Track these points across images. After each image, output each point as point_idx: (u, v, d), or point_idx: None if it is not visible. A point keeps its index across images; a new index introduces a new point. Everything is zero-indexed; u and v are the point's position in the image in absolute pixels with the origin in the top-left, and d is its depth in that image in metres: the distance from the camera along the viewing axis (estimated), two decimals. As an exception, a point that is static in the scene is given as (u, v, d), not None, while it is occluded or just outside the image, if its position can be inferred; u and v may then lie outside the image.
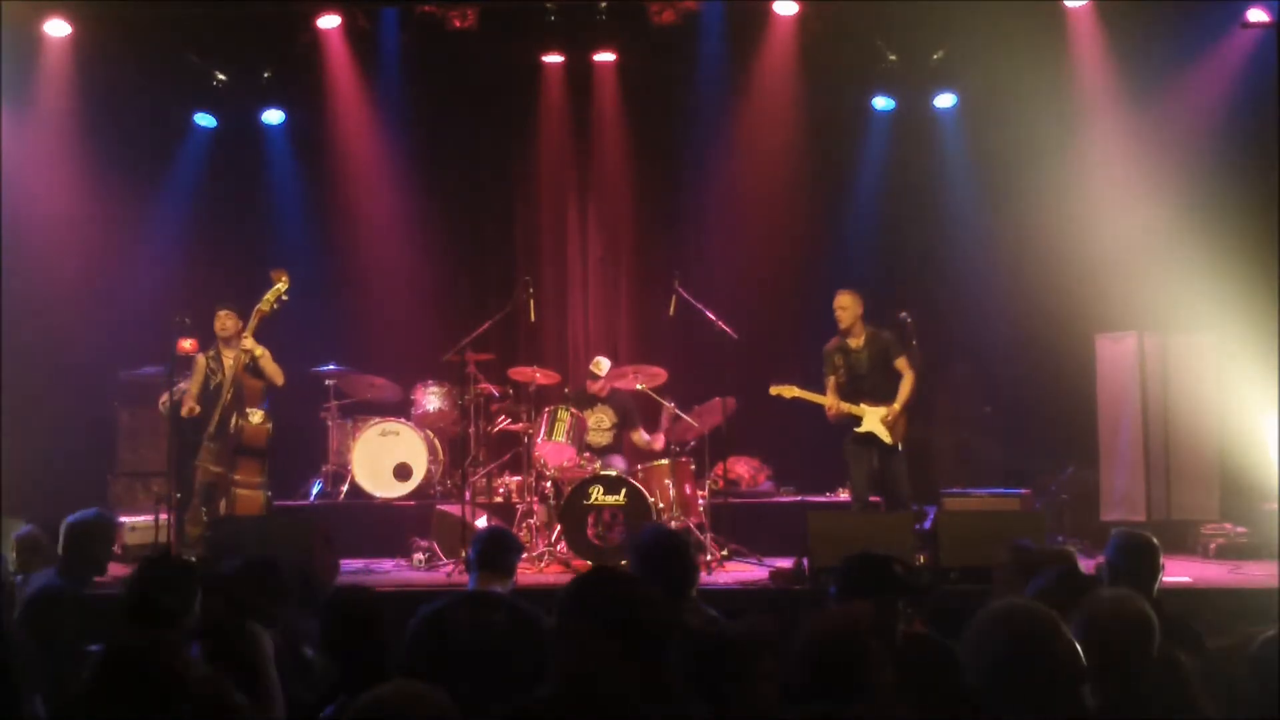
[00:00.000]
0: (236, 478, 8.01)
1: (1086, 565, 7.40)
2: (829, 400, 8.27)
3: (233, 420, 8.00)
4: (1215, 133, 9.14)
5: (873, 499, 8.35)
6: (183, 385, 8.24)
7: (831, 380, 8.34)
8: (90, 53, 9.48)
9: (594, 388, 9.14)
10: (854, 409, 8.24)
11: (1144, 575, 4.57)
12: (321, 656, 3.38)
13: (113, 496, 9.39)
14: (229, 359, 8.19)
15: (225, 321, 8.26)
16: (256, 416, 8.10)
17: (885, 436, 8.21)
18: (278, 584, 4.39)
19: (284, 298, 8.13)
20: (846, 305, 8.33)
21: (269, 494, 8.30)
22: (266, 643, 3.86)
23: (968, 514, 8.27)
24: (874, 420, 8.22)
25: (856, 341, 8.36)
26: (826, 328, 8.53)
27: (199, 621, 3.95)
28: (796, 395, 8.32)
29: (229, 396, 8.02)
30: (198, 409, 8.16)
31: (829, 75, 10.03)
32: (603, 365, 9.15)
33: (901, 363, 8.29)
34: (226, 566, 4.62)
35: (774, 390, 8.36)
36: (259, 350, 8.15)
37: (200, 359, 8.32)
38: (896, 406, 8.20)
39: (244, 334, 8.10)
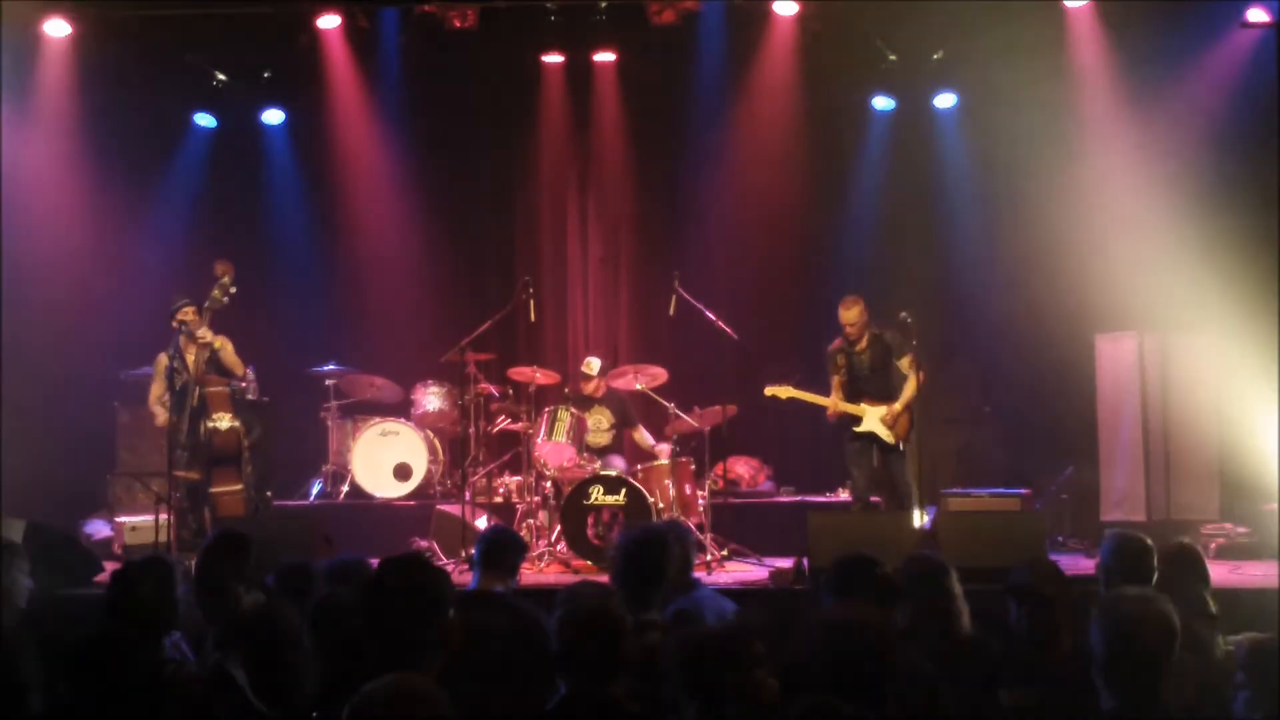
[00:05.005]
0: (213, 490, 7.85)
1: (1087, 565, 7.48)
2: (828, 400, 8.26)
3: (201, 427, 7.90)
4: (1215, 132, 9.12)
5: (874, 499, 8.35)
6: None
7: (836, 380, 8.31)
8: (90, 53, 9.47)
9: (587, 389, 9.12)
10: (853, 408, 8.23)
11: (1139, 577, 4.55)
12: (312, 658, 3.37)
13: (113, 496, 9.39)
14: (190, 356, 8.10)
15: (190, 314, 8.12)
16: (224, 422, 7.96)
17: (886, 436, 8.20)
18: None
19: (231, 290, 8.04)
20: (853, 318, 8.19)
21: (250, 494, 8.18)
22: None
23: (968, 514, 8.29)
24: (874, 420, 8.21)
25: (860, 344, 8.33)
26: (826, 327, 8.51)
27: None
28: (792, 395, 8.31)
29: (195, 400, 7.92)
30: (164, 415, 8.05)
31: (829, 75, 10.01)
32: (594, 365, 9.13)
33: (905, 363, 8.18)
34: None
35: (769, 391, 8.34)
36: (218, 342, 8.09)
37: (161, 358, 8.23)
38: (897, 406, 8.18)
39: (199, 330, 8.00)
